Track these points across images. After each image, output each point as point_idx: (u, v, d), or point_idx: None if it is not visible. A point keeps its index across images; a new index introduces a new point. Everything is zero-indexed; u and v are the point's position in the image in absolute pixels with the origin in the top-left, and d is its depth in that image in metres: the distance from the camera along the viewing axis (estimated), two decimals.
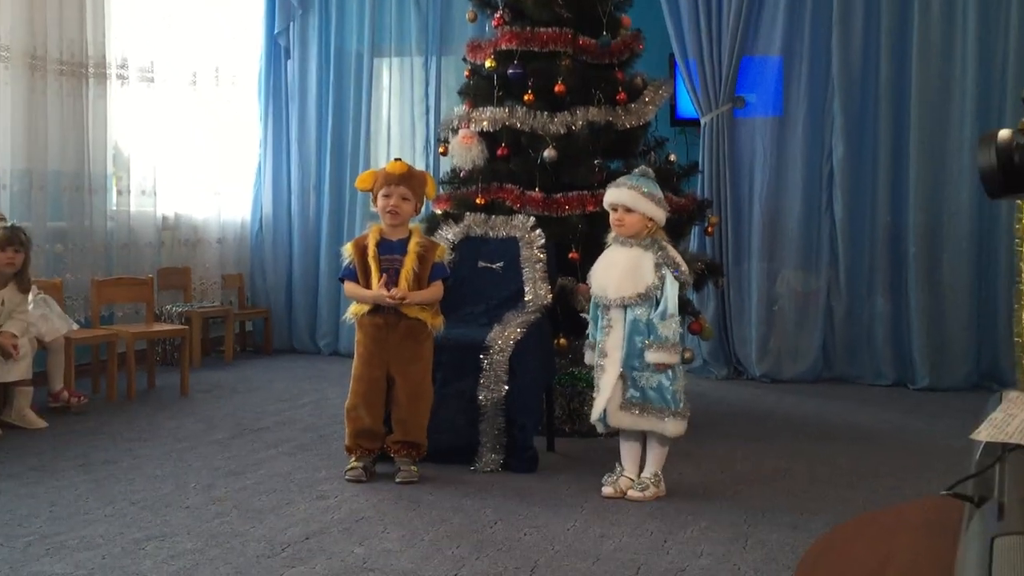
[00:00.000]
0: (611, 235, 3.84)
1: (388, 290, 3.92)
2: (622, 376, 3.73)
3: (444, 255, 4.10)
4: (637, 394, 3.73)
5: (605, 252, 3.86)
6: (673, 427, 3.73)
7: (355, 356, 4.08)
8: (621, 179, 3.85)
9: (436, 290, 4.03)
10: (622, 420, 3.77)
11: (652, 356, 3.65)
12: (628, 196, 3.77)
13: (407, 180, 4.03)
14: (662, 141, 5.48)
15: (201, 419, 5.19)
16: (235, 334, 7.51)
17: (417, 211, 4.12)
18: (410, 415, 4.00)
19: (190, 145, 7.23)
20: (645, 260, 3.71)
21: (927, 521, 1.31)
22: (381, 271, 3.99)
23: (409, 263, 3.97)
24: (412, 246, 4.00)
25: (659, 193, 3.78)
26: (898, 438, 4.99)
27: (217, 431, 4.90)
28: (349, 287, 4.09)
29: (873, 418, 5.50)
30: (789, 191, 6.70)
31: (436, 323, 4.03)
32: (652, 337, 3.66)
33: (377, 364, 4.00)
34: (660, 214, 3.77)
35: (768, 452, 4.63)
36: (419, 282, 3.99)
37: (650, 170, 3.91)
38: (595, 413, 3.80)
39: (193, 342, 6.66)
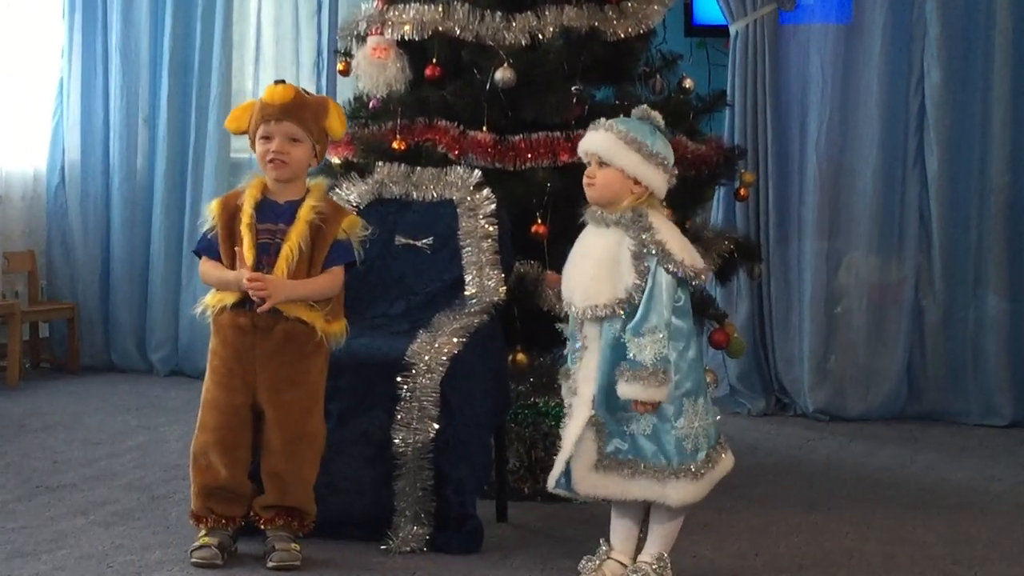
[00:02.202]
0: (589, 208, 3.85)
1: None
2: (595, 423, 3.74)
3: (354, 229, 4.09)
4: (625, 445, 3.73)
5: (580, 236, 3.87)
6: (678, 493, 3.71)
7: (207, 372, 4.07)
8: (604, 120, 3.86)
9: (330, 280, 4.02)
10: (600, 487, 3.75)
11: (622, 388, 3.65)
12: (602, 142, 3.78)
13: (295, 112, 4.02)
14: (673, 59, 5.51)
15: None
16: (23, 342, 7.45)
17: (318, 159, 4.13)
18: (288, 467, 3.99)
19: None
20: (622, 247, 3.70)
21: None
22: (257, 246, 3.99)
23: (295, 237, 3.96)
24: (304, 211, 3.99)
25: (658, 146, 3.75)
26: (1016, 503, 5.07)
27: None
28: (206, 267, 4.07)
29: (979, 474, 5.58)
30: (860, 136, 6.78)
31: (332, 330, 4.02)
32: (626, 358, 3.66)
33: (239, 387, 3.99)
34: (654, 177, 3.74)
35: (825, 525, 4.66)
36: (311, 267, 3.99)
37: (654, 113, 3.85)
38: (551, 477, 3.82)
39: None
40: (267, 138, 4.01)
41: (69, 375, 7.58)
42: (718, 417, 3.87)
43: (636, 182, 3.72)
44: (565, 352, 3.95)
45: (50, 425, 6.11)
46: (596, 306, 3.69)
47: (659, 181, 3.75)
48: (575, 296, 3.76)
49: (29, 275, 7.72)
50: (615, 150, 3.73)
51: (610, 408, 3.73)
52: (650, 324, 3.62)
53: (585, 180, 3.78)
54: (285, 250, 3.94)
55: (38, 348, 7.80)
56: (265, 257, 3.96)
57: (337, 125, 4.10)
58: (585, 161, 3.84)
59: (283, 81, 4.11)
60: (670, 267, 3.65)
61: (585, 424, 3.73)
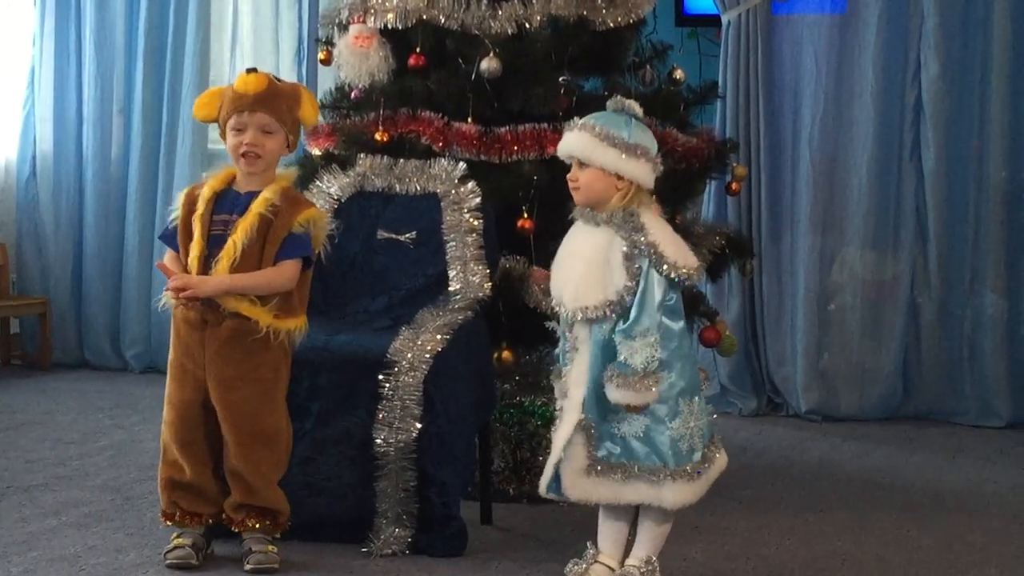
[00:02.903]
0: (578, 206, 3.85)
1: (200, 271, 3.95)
2: (584, 426, 3.74)
3: (315, 221, 4.06)
4: (616, 449, 3.73)
5: (569, 233, 3.86)
6: (675, 495, 3.71)
7: (168, 367, 4.09)
8: (579, 119, 3.83)
9: (276, 275, 3.96)
10: (593, 492, 3.75)
11: (612, 393, 3.65)
12: (578, 142, 3.76)
13: (269, 103, 4.00)
14: (663, 49, 5.51)
15: None
16: None
17: (291, 148, 4.12)
18: (246, 466, 3.98)
19: None
20: (613, 248, 3.69)
21: None
22: (209, 238, 3.98)
23: (240, 230, 3.93)
24: (256, 204, 3.96)
25: (635, 136, 3.72)
26: (1012, 507, 5.09)
27: None
28: (167, 257, 4.10)
29: (975, 476, 5.61)
30: (855, 130, 6.80)
31: (284, 326, 3.97)
32: (614, 363, 3.65)
33: (190, 383, 4.00)
34: (637, 169, 3.71)
35: (817, 527, 4.68)
36: (260, 263, 3.96)
37: (629, 102, 3.82)
38: (543, 480, 3.82)
39: None
40: (239, 130, 3.99)
41: (41, 372, 7.58)
42: (713, 416, 3.89)
43: (619, 177, 3.72)
44: (556, 352, 3.95)
45: (21, 423, 6.11)
46: (586, 307, 3.68)
47: (643, 172, 3.72)
48: (565, 296, 3.76)
49: (0, 269, 7.70)
50: (591, 149, 3.72)
51: (600, 411, 3.72)
52: (641, 327, 3.61)
53: (569, 183, 3.78)
54: (228, 244, 3.93)
55: (9, 344, 7.80)
56: (216, 249, 3.95)
57: (310, 113, 4.10)
58: (568, 163, 3.83)
59: (255, 69, 4.10)
60: (663, 269, 3.64)
61: (574, 428, 3.73)
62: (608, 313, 3.66)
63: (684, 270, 3.68)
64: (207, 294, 3.91)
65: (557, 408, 3.84)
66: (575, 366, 3.76)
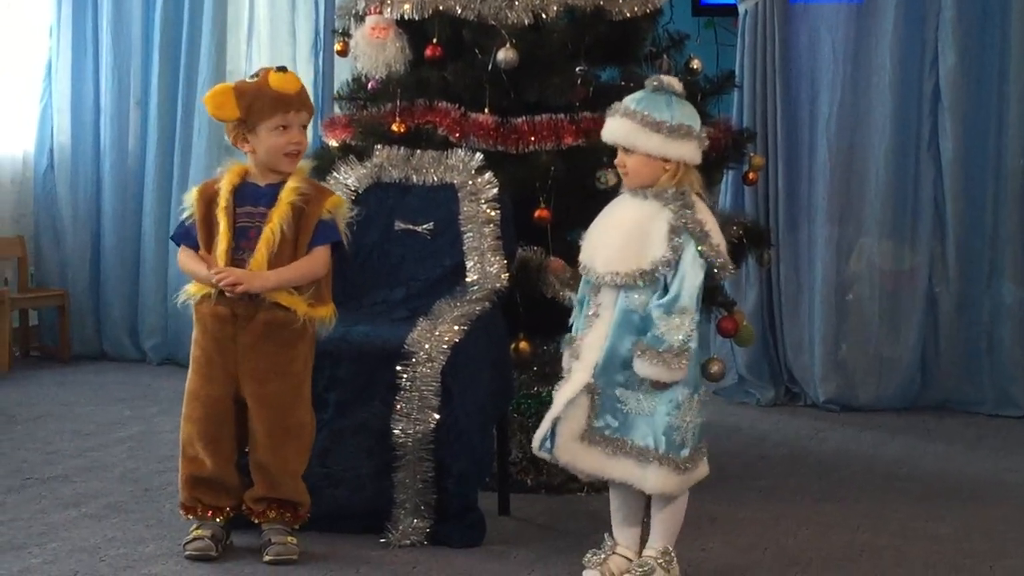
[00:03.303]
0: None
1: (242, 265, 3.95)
2: (591, 390, 3.75)
3: (338, 209, 4.11)
4: (615, 423, 3.73)
5: (613, 203, 3.88)
6: (658, 479, 3.69)
7: (190, 363, 4.09)
8: (620, 104, 3.84)
9: (312, 262, 4.01)
10: (580, 459, 3.76)
11: (643, 367, 3.66)
12: (620, 129, 3.78)
13: (306, 101, 4.09)
14: (680, 39, 5.51)
15: None
16: (13, 330, 7.47)
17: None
18: (275, 460, 4.00)
19: None
20: (657, 222, 3.70)
21: None
22: (235, 230, 4.00)
23: (277, 219, 3.97)
24: (286, 193, 4.00)
25: (678, 117, 3.73)
26: None
27: None
28: (183, 256, 4.10)
29: (994, 466, 5.60)
30: (872, 119, 6.78)
31: (317, 315, 4.01)
32: (648, 335, 3.66)
33: (219, 378, 4.01)
34: (683, 149, 3.73)
35: (835, 518, 4.69)
36: (295, 251, 3.99)
37: (668, 79, 3.81)
38: (536, 437, 3.82)
39: None
40: (286, 128, 4.02)
41: (60, 364, 7.60)
42: (703, 420, 3.82)
43: (665, 160, 3.73)
44: (570, 321, 3.95)
45: (41, 415, 6.13)
46: (617, 273, 3.70)
47: (689, 151, 3.74)
48: (597, 260, 3.76)
49: (19, 261, 7.73)
50: (635, 136, 3.73)
51: (609, 380, 3.73)
52: (682, 304, 3.63)
53: (619, 168, 3.80)
54: (266, 232, 3.95)
55: (28, 336, 7.81)
56: (244, 241, 3.98)
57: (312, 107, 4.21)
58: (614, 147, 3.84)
59: (284, 68, 4.13)
60: (705, 249, 3.67)
61: (581, 389, 3.74)
62: (637, 281, 3.68)
63: (721, 258, 3.72)
64: (258, 290, 3.92)
65: (565, 371, 3.84)
66: (593, 330, 3.77)
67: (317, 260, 4.02)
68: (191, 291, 4.06)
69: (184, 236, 4.11)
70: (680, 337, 3.62)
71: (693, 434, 3.73)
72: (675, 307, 3.63)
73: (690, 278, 3.65)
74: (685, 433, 3.71)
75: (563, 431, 3.76)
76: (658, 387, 3.67)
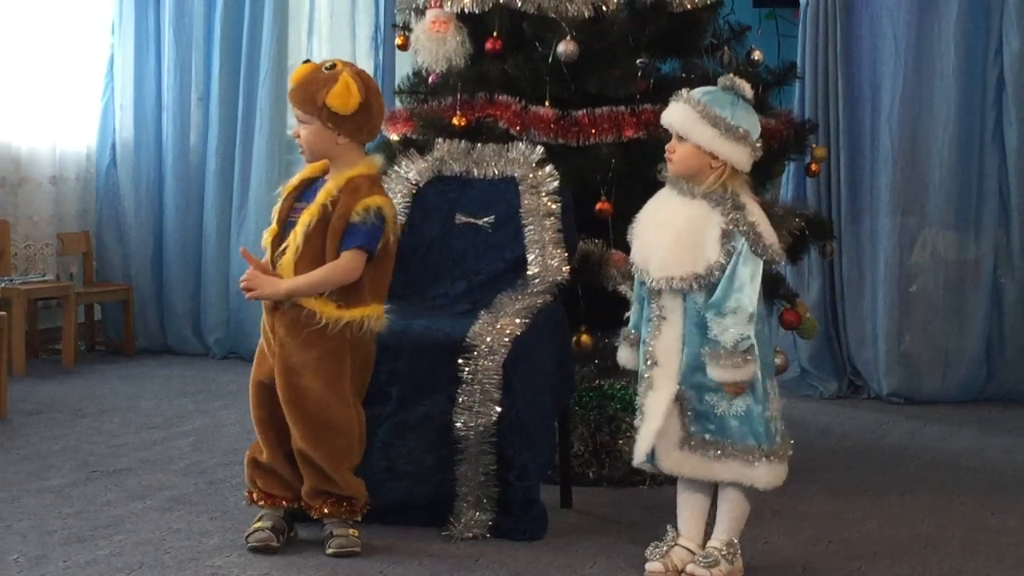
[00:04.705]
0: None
1: (274, 269, 3.99)
2: (680, 398, 3.75)
3: (376, 210, 3.98)
4: (712, 426, 3.73)
5: (655, 198, 3.87)
6: (768, 475, 3.72)
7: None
8: (687, 91, 3.82)
9: (334, 269, 3.94)
10: (684, 465, 3.78)
11: (713, 372, 3.66)
12: (677, 115, 3.77)
13: (295, 95, 4.03)
14: (741, 31, 5.49)
15: (26, 455, 5.21)
16: (78, 325, 7.54)
17: (345, 134, 4.00)
18: (315, 453, 3.99)
19: (0, 36, 7.25)
20: (710, 223, 3.69)
21: None
22: (283, 227, 4.04)
23: (303, 220, 3.96)
24: (321, 194, 3.99)
25: (739, 118, 3.72)
26: None
27: (51, 474, 4.92)
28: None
29: None
30: (935, 109, 6.74)
31: (348, 316, 3.94)
32: (709, 341, 3.66)
33: (265, 362, 4.08)
34: (734, 152, 3.71)
35: (900, 511, 4.66)
36: (323, 253, 3.97)
37: (740, 82, 3.80)
38: (640, 452, 3.80)
39: (13, 337, 6.65)
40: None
41: (124, 358, 7.67)
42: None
43: (715, 156, 3.72)
44: (626, 315, 3.95)
45: (106, 409, 6.19)
46: (672, 278, 3.69)
47: (740, 155, 3.72)
48: (651, 263, 3.75)
49: (84, 256, 7.80)
50: (691, 124, 3.72)
51: (696, 385, 3.74)
52: (731, 304, 3.63)
53: (666, 153, 3.78)
54: (292, 234, 3.98)
55: (93, 331, 7.90)
56: (289, 236, 4.02)
57: (337, 100, 3.93)
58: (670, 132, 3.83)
59: (308, 60, 4.14)
60: (758, 250, 3.66)
61: (672, 398, 3.74)
62: (693, 285, 3.67)
63: (776, 253, 3.72)
64: (269, 297, 3.97)
65: (641, 375, 3.81)
66: (665, 335, 3.76)
67: (338, 266, 3.96)
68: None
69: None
70: (731, 336, 3.62)
71: (780, 419, 3.77)
72: (725, 307, 3.64)
73: (740, 279, 3.65)
74: (776, 422, 3.74)
75: (661, 441, 3.76)
76: (733, 391, 3.68)
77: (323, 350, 3.97)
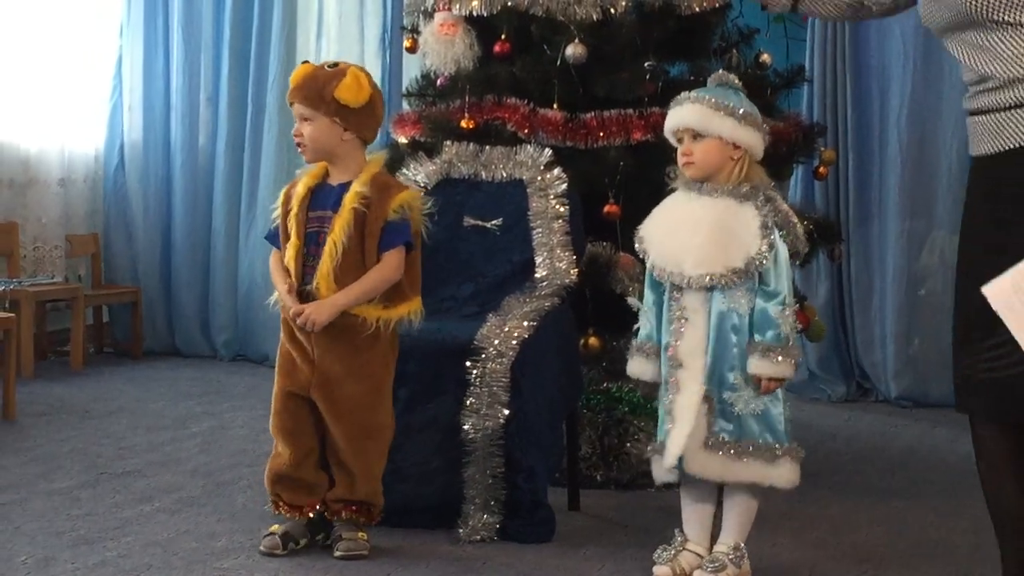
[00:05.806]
0: (678, 176, 3.84)
1: (303, 283, 3.94)
2: (707, 399, 3.74)
3: (409, 204, 4.02)
4: (730, 426, 3.73)
5: (665, 203, 3.87)
6: (789, 473, 3.73)
7: (277, 357, 4.13)
8: (687, 93, 3.86)
9: (383, 271, 3.95)
10: (709, 466, 3.74)
11: (766, 367, 3.66)
12: (693, 114, 3.78)
13: (298, 91, 4.01)
14: (749, 33, 5.50)
15: (34, 457, 5.22)
16: (87, 327, 7.56)
17: (352, 131, 3.99)
18: (356, 462, 4.00)
19: (8, 36, 7.26)
20: (745, 217, 3.70)
21: None
22: (305, 236, 4.00)
23: (338, 229, 3.92)
24: (348, 198, 3.94)
25: (746, 106, 3.76)
26: None
27: (59, 476, 4.94)
28: (272, 261, 4.12)
29: None
30: (944, 111, 6.73)
31: (394, 315, 3.98)
32: (767, 335, 3.66)
33: (295, 379, 4.03)
34: (752, 138, 3.75)
35: (908, 514, 4.66)
36: (363, 257, 3.95)
37: (734, 77, 3.88)
38: (670, 455, 3.74)
39: (22, 339, 6.65)
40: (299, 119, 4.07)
41: (132, 360, 7.69)
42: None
43: (735, 147, 3.74)
44: (635, 328, 3.94)
45: (114, 411, 6.20)
46: (712, 275, 3.69)
47: (756, 141, 3.78)
48: (685, 263, 3.73)
49: (92, 258, 7.82)
50: (708, 119, 3.74)
51: (717, 384, 3.74)
52: (789, 296, 3.69)
53: (682, 159, 3.77)
54: (328, 244, 3.92)
55: (101, 333, 7.92)
56: (313, 247, 3.97)
57: (347, 93, 3.92)
58: (674, 140, 3.83)
59: (307, 62, 4.14)
60: (793, 240, 3.74)
61: (700, 399, 3.73)
62: (734, 280, 3.68)
63: (804, 245, 3.81)
64: (330, 319, 3.89)
65: (665, 379, 3.80)
66: (688, 336, 3.75)
67: (386, 267, 3.97)
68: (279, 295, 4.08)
69: (273, 237, 4.15)
70: (790, 329, 3.68)
71: (790, 420, 3.80)
72: (786, 300, 3.70)
73: (786, 271, 3.71)
74: (788, 422, 3.78)
75: (689, 447, 3.74)
76: (768, 388, 3.69)
77: (369, 356, 3.98)
